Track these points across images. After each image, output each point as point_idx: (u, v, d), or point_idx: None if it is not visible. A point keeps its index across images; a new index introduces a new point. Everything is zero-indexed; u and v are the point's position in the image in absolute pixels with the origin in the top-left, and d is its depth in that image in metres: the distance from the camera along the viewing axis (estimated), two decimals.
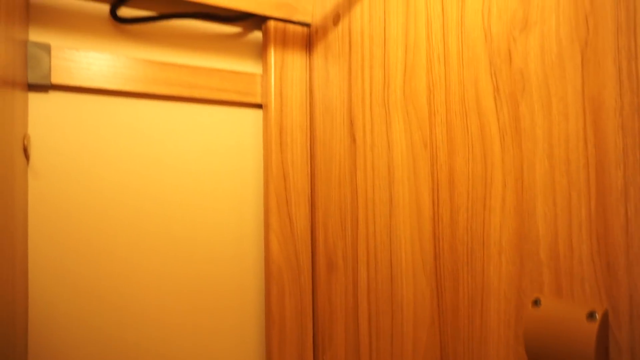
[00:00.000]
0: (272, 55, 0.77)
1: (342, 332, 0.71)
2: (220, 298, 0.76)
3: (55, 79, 0.65)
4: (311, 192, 0.79)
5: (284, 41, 0.78)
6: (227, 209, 0.78)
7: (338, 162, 0.72)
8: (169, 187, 0.73)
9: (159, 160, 0.73)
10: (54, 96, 0.66)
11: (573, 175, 0.41)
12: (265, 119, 0.79)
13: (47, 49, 0.65)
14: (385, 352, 0.63)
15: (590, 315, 0.38)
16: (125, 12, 0.72)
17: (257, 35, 0.82)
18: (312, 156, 0.79)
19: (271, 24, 0.77)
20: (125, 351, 0.69)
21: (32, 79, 0.64)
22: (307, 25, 0.80)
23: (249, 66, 0.81)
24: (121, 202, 0.70)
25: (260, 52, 0.83)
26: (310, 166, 0.80)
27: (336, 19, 0.73)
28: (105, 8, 0.70)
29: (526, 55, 0.45)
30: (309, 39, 0.81)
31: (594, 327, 0.37)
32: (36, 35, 0.66)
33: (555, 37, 0.42)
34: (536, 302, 0.42)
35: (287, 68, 0.78)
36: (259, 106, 0.81)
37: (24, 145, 0.62)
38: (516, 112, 0.46)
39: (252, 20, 0.82)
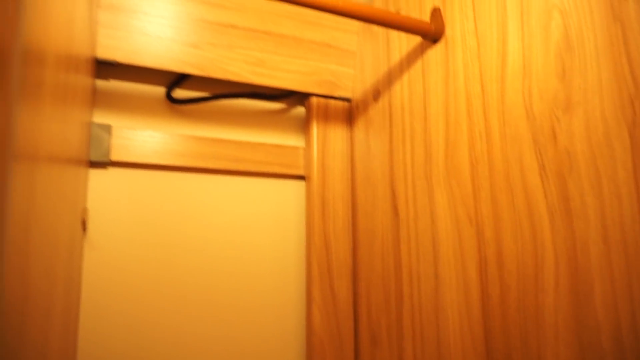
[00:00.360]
0: (315, 129, 0.80)
1: None
2: None
3: (114, 156, 0.70)
4: (353, 263, 0.79)
5: (326, 115, 0.82)
6: (269, 279, 0.78)
7: (381, 233, 0.72)
8: (215, 256, 0.75)
9: (206, 229, 0.75)
10: (111, 172, 0.71)
11: (631, 258, 0.39)
12: (308, 190, 0.81)
13: (108, 129, 0.70)
14: None
15: None
16: (178, 93, 0.78)
17: (299, 110, 0.86)
18: (355, 227, 0.80)
19: (314, 100, 0.81)
20: None
21: (94, 157, 0.69)
22: (348, 100, 0.84)
23: (292, 140, 0.85)
24: (170, 270, 0.71)
25: (303, 126, 0.86)
26: (353, 237, 0.80)
27: (376, 94, 0.76)
28: (162, 90, 0.76)
29: (571, 134, 0.45)
30: (350, 113, 0.84)
31: None
32: (99, 117, 0.72)
33: (600, 117, 0.42)
34: None
35: (329, 141, 0.81)
36: (301, 178, 0.84)
37: (82, 219, 0.65)
38: (565, 191, 0.45)
39: (295, 97, 0.86)
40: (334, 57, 0.82)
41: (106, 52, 0.67)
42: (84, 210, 0.66)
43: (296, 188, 0.83)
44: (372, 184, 0.76)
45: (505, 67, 0.53)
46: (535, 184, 0.48)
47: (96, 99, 0.72)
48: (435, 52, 0.64)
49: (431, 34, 0.62)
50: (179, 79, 0.76)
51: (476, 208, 0.55)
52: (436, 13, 0.63)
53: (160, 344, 0.69)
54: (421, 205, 0.64)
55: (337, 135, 0.82)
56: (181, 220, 0.74)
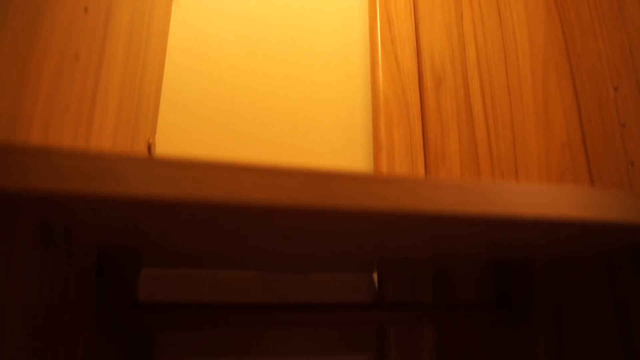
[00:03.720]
0: None
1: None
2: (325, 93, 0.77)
3: None
4: (416, 34, 0.81)
5: None
6: (335, 49, 0.82)
7: None
8: (291, 26, 0.80)
9: (284, 7, 0.81)
10: None
11: None
12: None
13: None
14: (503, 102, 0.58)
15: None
16: None
17: None
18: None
19: None
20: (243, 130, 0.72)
21: None
22: None
23: None
24: (246, 38, 0.78)
25: None
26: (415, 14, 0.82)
27: None
28: None
29: None
30: None
31: None
32: None
33: None
34: None
35: None
36: None
37: None
38: None
39: None
40: None
41: None
42: None
43: None
44: None
45: None
46: None
47: None
48: None
49: None
50: None
51: None
52: None
53: (236, 84, 0.75)
54: None
55: None
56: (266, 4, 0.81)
